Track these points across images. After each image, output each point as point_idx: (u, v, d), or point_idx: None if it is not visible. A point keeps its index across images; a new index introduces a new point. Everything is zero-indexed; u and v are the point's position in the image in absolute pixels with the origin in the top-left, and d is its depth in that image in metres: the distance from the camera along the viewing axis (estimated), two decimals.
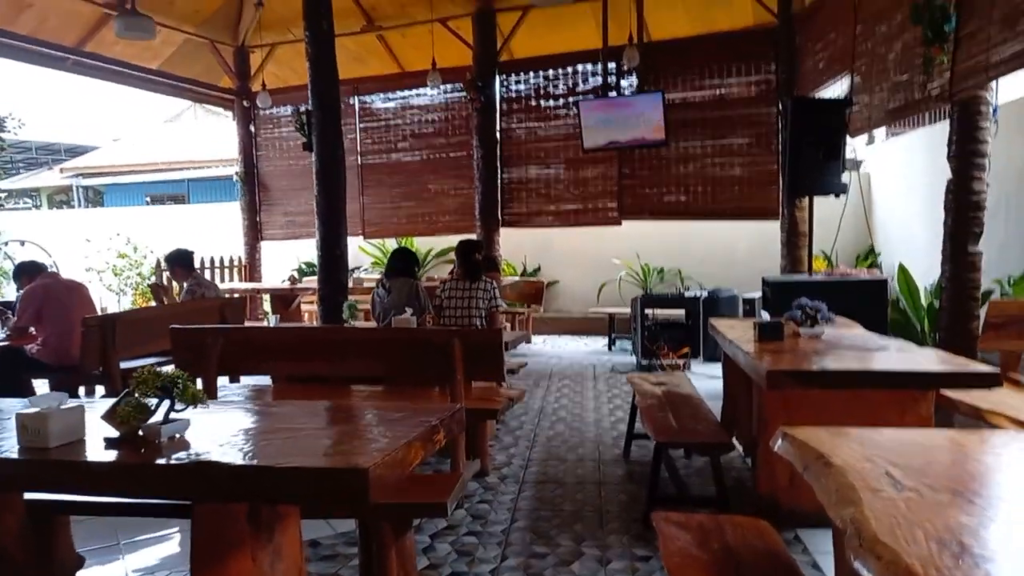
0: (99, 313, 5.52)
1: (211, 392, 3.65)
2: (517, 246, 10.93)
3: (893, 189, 9.11)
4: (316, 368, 3.71)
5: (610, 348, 8.86)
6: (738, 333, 3.97)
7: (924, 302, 5.96)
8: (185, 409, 2.04)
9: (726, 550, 2.04)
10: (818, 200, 7.71)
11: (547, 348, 9.05)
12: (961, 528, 1.41)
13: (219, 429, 2.13)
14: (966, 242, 4.57)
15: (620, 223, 9.19)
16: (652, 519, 2.24)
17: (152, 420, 1.99)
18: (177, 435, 2.01)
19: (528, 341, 9.40)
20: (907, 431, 2.18)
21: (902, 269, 5.98)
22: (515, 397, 4.18)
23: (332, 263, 5.99)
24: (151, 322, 5.08)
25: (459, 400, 3.52)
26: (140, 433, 1.99)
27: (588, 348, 8.95)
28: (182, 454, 1.88)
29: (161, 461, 1.85)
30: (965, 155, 4.55)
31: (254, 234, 10.79)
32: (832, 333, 3.87)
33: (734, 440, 4.50)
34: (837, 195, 5.89)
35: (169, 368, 2.17)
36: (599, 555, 3.00)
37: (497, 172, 9.46)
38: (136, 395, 1.96)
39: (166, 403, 2.00)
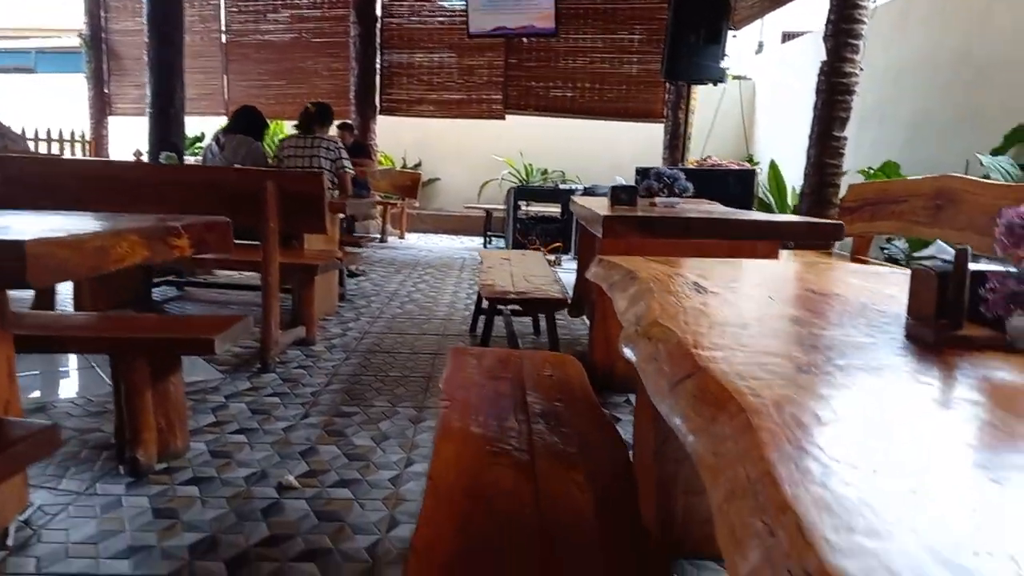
0: None
1: None
2: (397, 140, 10.36)
3: (776, 98, 9.09)
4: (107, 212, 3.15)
5: (485, 245, 8.56)
6: (594, 203, 3.75)
7: (791, 202, 5.93)
8: None
9: (517, 379, 1.76)
10: (703, 107, 7.56)
11: (420, 243, 8.65)
12: (753, 315, 1.21)
13: None
14: (832, 126, 4.45)
15: (504, 117, 8.77)
16: (448, 351, 1.94)
17: None
18: None
19: (402, 237, 8.98)
20: (732, 260, 1.95)
21: (773, 166, 5.91)
22: (343, 257, 3.78)
23: (164, 122, 5.29)
24: None
25: (272, 253, 3.09)
26: None
27: (463, 245, 8.61)
28: None
29: None
30: (840, 34, 4.38)
31: (101, 107, 9.65)
32: (690, 206, 3.69)
33: (585, 319, 4.34)
34: (715, 83, 5.68)
35: None
36: (414, 415, 2.72)
37: (376, 54, 8.76)
38: None
39: None
